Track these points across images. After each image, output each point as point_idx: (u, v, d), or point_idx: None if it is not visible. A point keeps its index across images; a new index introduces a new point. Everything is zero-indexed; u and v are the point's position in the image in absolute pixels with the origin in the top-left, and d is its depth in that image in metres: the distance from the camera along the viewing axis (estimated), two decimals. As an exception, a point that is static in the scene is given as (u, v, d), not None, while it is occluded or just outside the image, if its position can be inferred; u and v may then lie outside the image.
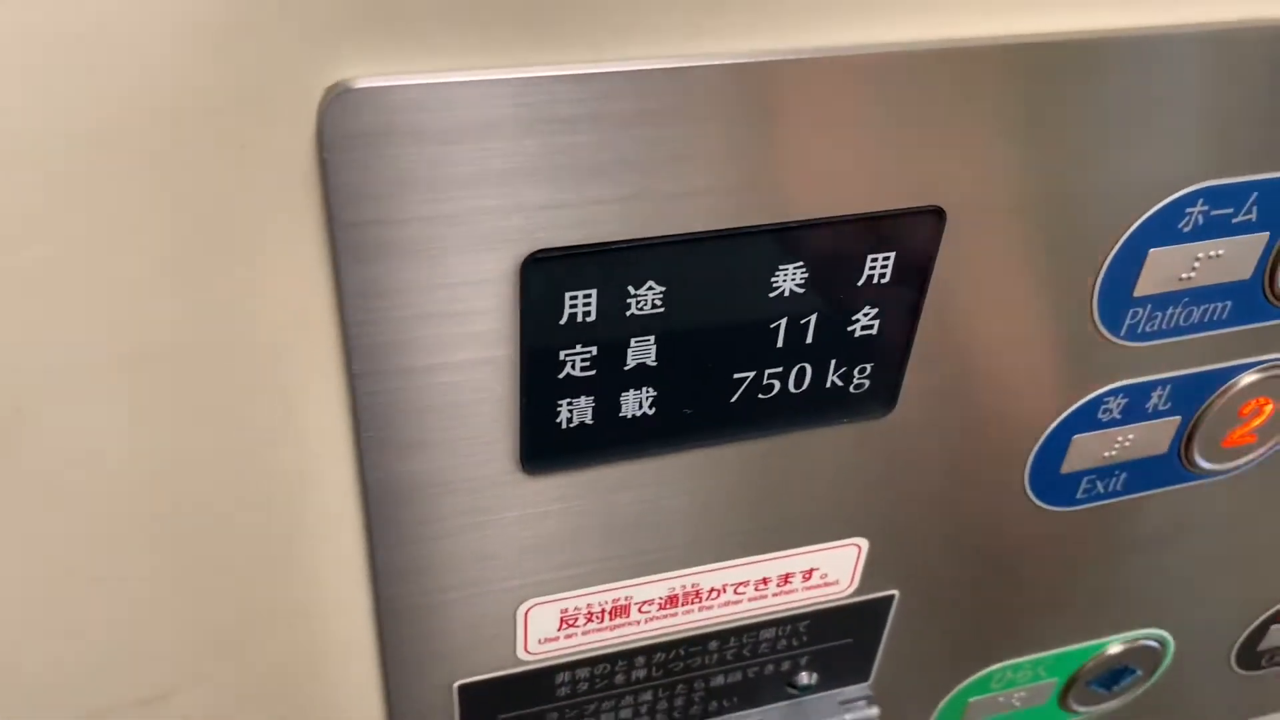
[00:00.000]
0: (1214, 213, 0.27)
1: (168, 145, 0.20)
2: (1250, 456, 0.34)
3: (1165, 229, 0.27)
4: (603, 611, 0.31)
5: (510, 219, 0.22)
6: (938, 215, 0.25)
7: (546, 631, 0.31)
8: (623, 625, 0.31)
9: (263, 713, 0.30)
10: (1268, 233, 0.28)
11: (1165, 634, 0.41)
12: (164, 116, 0.20)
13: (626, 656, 0.32)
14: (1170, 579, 0.38)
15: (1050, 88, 0.24)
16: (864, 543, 0.32)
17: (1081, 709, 0.42)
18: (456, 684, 0.31)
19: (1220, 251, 0.28)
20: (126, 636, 0.27)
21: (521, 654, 0.31)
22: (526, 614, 0.30)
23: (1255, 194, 0.27)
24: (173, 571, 0.26)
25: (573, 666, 0.32)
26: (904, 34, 0.23)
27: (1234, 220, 0.28)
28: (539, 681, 0.32)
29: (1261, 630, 0.43)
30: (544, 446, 0.26)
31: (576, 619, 0.31)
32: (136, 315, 0.22)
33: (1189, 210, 0.27)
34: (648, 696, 0.34)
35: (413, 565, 0.28)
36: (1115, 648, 0.40)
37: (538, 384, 0.25)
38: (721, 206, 0.24)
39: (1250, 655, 0.44)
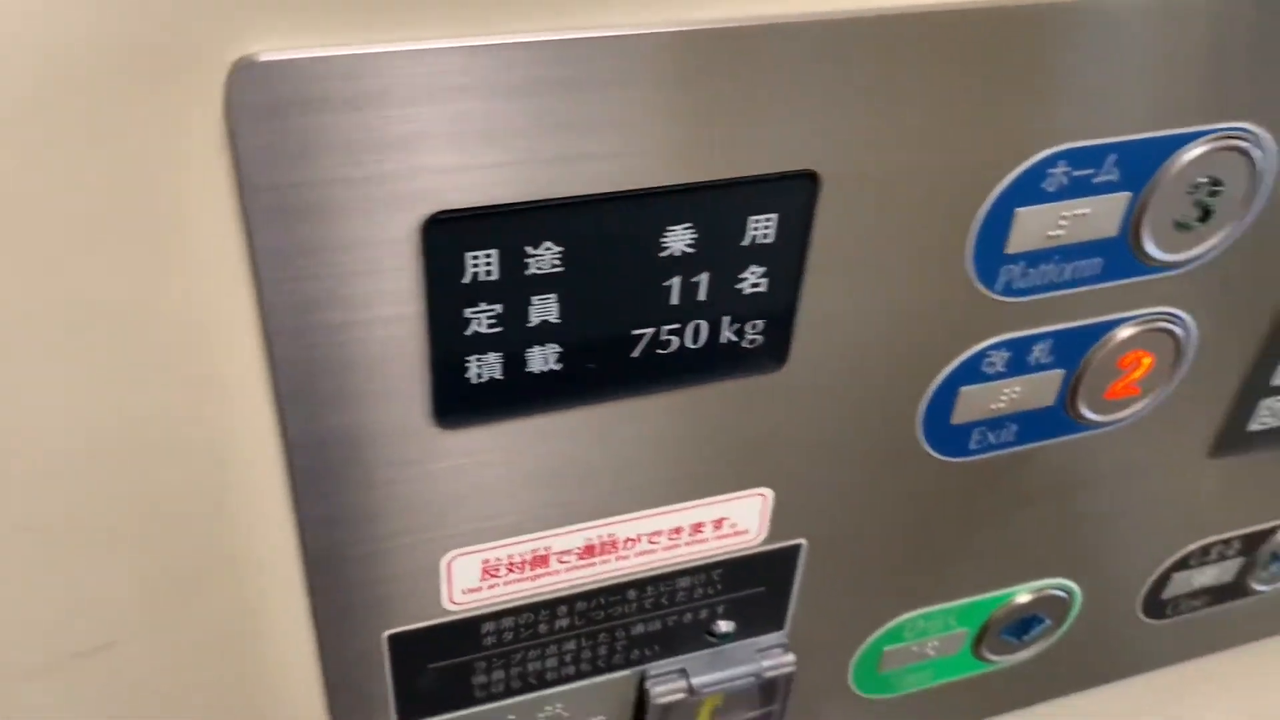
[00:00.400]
0: (1075, 173, 0.30)
1: (85, 115, 0.22)
2: (1135, 408, 0.37)
3: (1030, 189, 0.30)
4: (523, 562, 0.33)
5: (410, 182, 0.24)
6: (812, 179, 0.27)
7: (469, 582, 0.32)
8: (543, 575, 0.33)
9: (201, 666, 0.32)
10: (1129, 192, 0.31)
11: (1071, 584, 0.43)
12: (80, 87, 0.21)
13: (549, 606, 0.34)
14: (1071, 529, 0.41)
15: (912, 58, 0.26)
16: (769, 492, 0.34)
17: (995, 658, 0.44)
18: (386, 634, 0.33)
19: (1085, 210, 0.31)
20: (57, 589, 0.28)
21: (447, 604, 0.33)
22: (449, 565, 0.32)
23: (1114, 155, 0.30)
24: (102, 523, 0.27)
25: (497, 616, 0.34)
26: (776, 7, 0.25)
27: (1095, 180, 0.30)
28: (465, 631, 0.34)
29: (1164, 579, 0.45)
30: (456, 401, 0.28)
31: (498, 569, 0.33)
32: (61, 277, 0.24)
33: (1051, 171, 0.29)
34: (571, 645, 0.36)
35: (337, 517, 0.29)
36: (1023, 597, 0.42)
37: (446, 341, 0.27)
38: (609, 171, 0.26)
39: (1156, 604, 0.46)
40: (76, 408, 0.25)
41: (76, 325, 0.24)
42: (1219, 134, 0.31)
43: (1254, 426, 0.40)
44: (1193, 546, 0.44)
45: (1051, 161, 0.29)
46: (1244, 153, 0.31)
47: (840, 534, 0.36)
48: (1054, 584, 0.42)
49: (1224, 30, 0.29)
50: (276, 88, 0.22)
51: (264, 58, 0.22)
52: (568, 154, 0.25)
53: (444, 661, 0.34)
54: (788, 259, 0.29)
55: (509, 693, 0.36)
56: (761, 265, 0.29)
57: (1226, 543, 0.45)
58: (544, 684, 0.36)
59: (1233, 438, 0.40)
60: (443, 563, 0.32)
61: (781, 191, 0.27)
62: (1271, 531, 0.45)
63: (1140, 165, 0.30)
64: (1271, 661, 0.54)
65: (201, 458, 0.27)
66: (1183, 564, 0.45)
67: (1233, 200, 0.32)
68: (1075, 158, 0.29)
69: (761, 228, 0.28)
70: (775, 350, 0.31)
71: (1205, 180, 0.31)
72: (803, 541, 0.36)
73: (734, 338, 0.30)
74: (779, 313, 0.30)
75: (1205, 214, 0.32)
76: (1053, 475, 0.38)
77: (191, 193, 0.24)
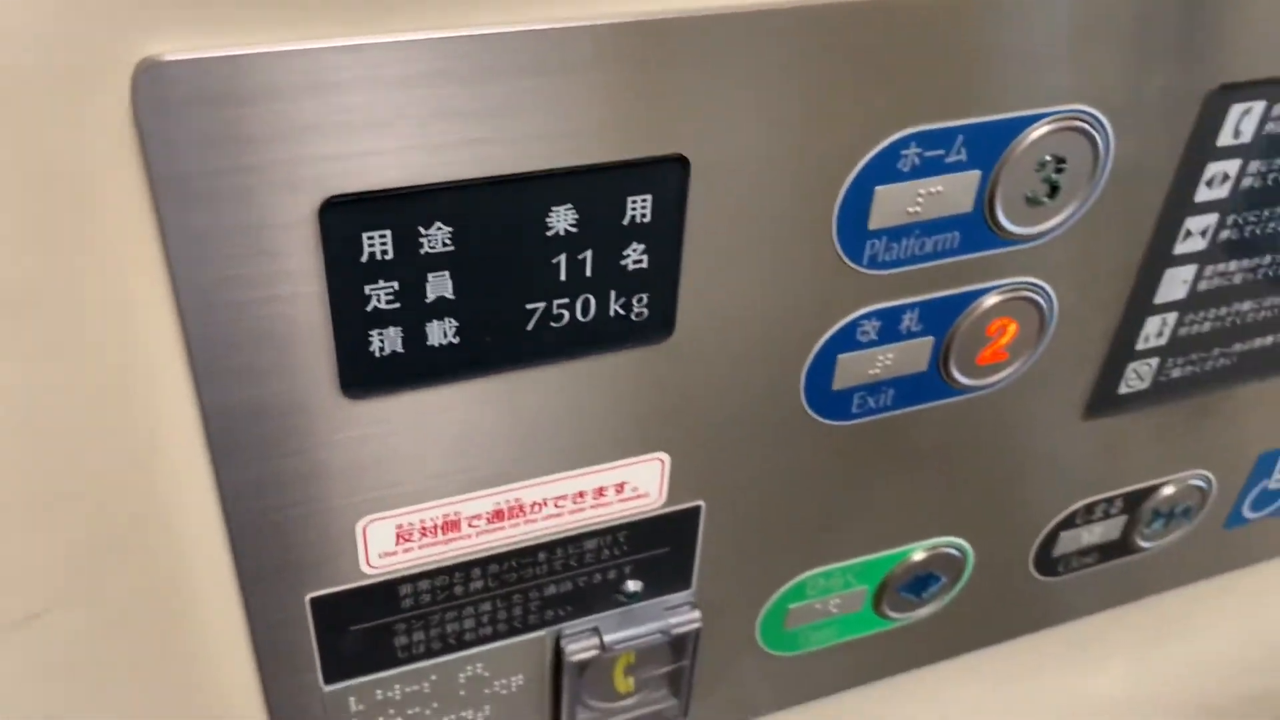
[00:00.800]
0: (927, 154, 0.33)
1: (2, 113, 0.24)
2: (1005, 373, 0.40)
3: (886, 169, 0.32)
4: (435, 526, 0.35)
5: (304, 169, 0.26)
6: (682, 163, 0.30)
7: (385, 546, 0.35)
8: (455, 539, 0.36)
9: (135, 633, 0.34)
10: (979, 170, 0.34)
11: (963, 542, 0.46)
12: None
13: (463, 569, 0.37)
14: (958, 489, 0.44)
15: (771, 50, 0.29)
16: (666, 457, 0.37)
17: (896, 615, 0.47)
18: (309, 596, 0.35)
19: (939, 188, 0.33)
20: (-6, 554, 0.30)
21: (365, 568, 0.35)
22: (364, 530, 0.34)
23: (961, 136, 0.33)
24: (27, 495, 0.30)
25: (414, 579, 0.36)
26: (643, 5, 0.28)
27: (946, 160, 0.33)
28: (384, 594, 0.36)
29: (1053, 537, 0.48)
30: (361, 373, 0.31)
31: (411, 534, 0.35)
32: (-15, 261, 0.26)
33: (904, 152, 0.32)
34: (487, 607, 0.38)
35: (255, 484, 0.32)
36: (918, 555, 0.45)
37: (348, 316, 0.29)
38: (492, 155, 0.28)
39: (1047, 562, 0.49)
40: (3, 385, 0.28)
41: (3, 311, 0.27)
42: (1060, 116, 0.34)
43: (1123, 389, 0.43)
44: (1077, 505, 0.47)
45: (904, 143, 0.32)
46: (1084, 133, 0.34)
47: (737, 495, 0.39)
48: (946, 542, 0.45)
49: (1058, 18, 0.32)
50: (178, 85, 0.25)
51: (167, 58, 0.24)
52: (452, 140, 0.27)
53: (365, 624, 0.36)
54: (666, 237, 0.31)
55: (430, 654, 0.38)
56: (642, 243, 0.31)
57: (1110, 501, 0.48)
58: (463, 645, 0.39)
59: (1103, 400, 0.43)
60: (358, 527, 0.34)
61: (655, 174, 0.30)
62: (1152, 489, 0.49)
63: (988, 146, 0.33)
64: (1164, 617, 0.57)
65: (125, 430, 0.30)
66: (1069, 522, 0.48)
67: (1077, 177, 0.35)
68: (925, 140, 0.32)
69: (639, 208, 0.31)
70: (661, 322, 0.33)
71: (1050, 159, 0.34)
72: (701, 503, 0.39)
73: (621, 311, 0.32)
74: (662, 287, 0.32)
75: (1053, 190, 0.35)
76: (935, 437, 0.41)
77: (106, 182, 0.26)
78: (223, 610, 0.35)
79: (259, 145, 0.26)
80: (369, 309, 0.29)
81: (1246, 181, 0.38)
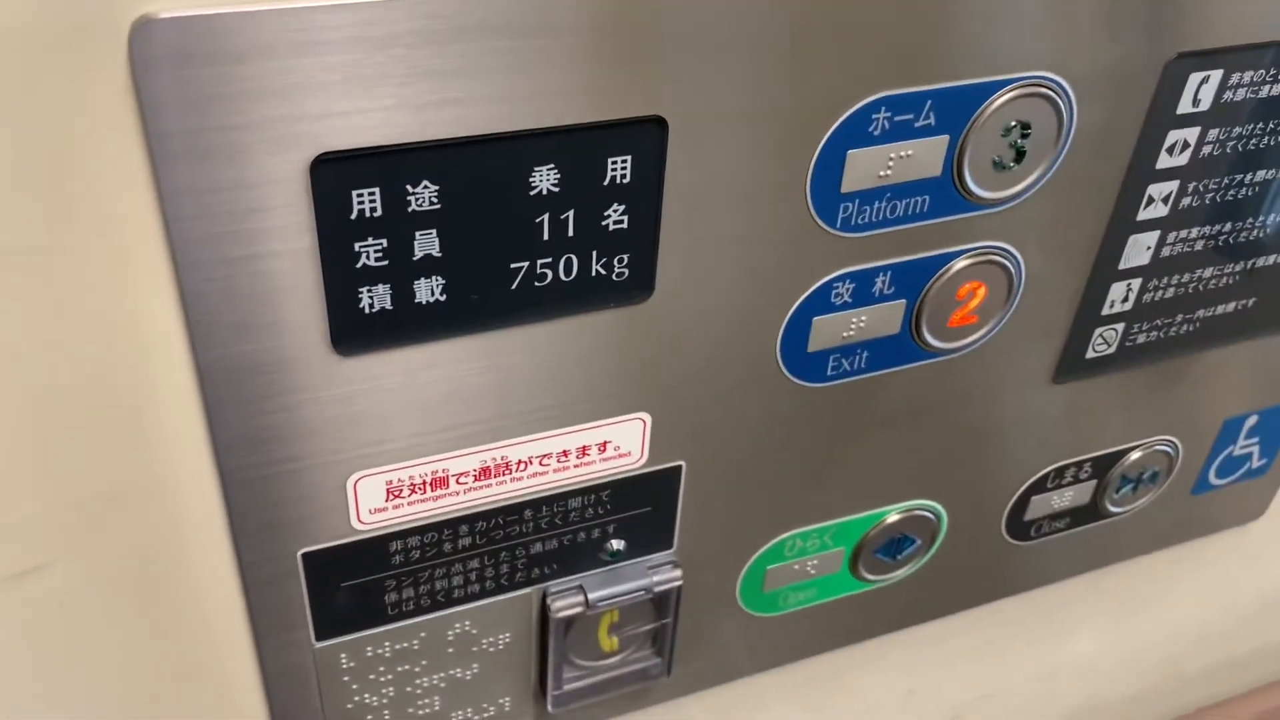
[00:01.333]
0: (897, 118, 0.34)
1: (3, 70, 0.25)
2: (976, 335, 0.41)
3: (858, 133, 0.34)
4: (424, 483, 0.36)
5: (295, 127, 0.27)
6: (660, 124, 0.31)
7: (375, 502, 0.36)
8: (444, 496, 0.37)
9: (129, 589, 0.35)
10: (948, 135, 0.35)
11: (937, 505, 0.47)
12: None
13: (451, 525, 0.38)
14: (931, 452, 0.45)
15: (745, 14, 0.30)
16: (647, 417, 0.38)
17: (873, 577, 0.48)
18: (300, 552, 0.36)
19: (909, 152, 0.35)
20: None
21: (355, 524, 0.36)
22: (355, 485, 0.35)
23: (930, 101, 0.34)
24: (27, 451, 0.30)
25: (404, 535, 0.37)
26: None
27: (916, 125, 0.34)
28: (374, 549, 0.37)
29: (1024, 501, 0.49)
30: (350, 330, 0.32)
31: (401, 490, 0.36)
32: (-13, 215, 0.27)
33: (875, 116, 0.33)
34: (475, 564, 0.39)
35: (248, 439, 0.33)
36: (893, 517, 0.46)
37: (338, 273, 0.30)
38: (475, 115, 0.29)
39: (1019, 526, 0.51)
40: (3, 339, 0.29)
41: (3, 263, 0.27)
42: (1025, 82, 0.35)
43: (1090, 354, 0.45)
44: (1047, 469, 0.49)
45: (875, 107, 0.33)
46: (1048, 99, 0.35)
47: (717, 456, 0.40)
48: (920, 505, 0.47)
49: (1021, -9, 0.33)
50: (173, 42, 0.26)
51: (161, 16, 0.25)
52: (436, 100, 0.28)
53: (356, 580, 0.37)
54: (645, 197, 0.33)
55: (419, 610, 0.39)
56: (622, 203, 0.32)
57: (1079, 465, 0.49)
58: (452, 602, 0.40)
59: (1072, 364, 0.44)
60: (349, 483, 0.35)
61: (634, 135, 0.31)
62: (1120, 454, 0.50)
63: (956, 111, 0.34)
64: (1135, 582, 0.59)
65: (121, 385, 0.30)
66: (1040, 486, 0.49)
67: (1042, 142, 0.36)
68: (896, 104, 0.33)
69: (619, 169, 0.32)
70: (641, 282, 0.34)
71: (1016, 124, 0.36)
72: (682, 463, 0.40)
73: (603, 270, 0.34)
74: (642, 247, 0.34)
75: (1019, 155, 0.36)
76: (908, 400, 0.42)
77: (104, 139, 0.27)
78: (216, 566, 0.36)
79: (250, 103, 0.27)
80: (359, 266, 0.30)
81: (1206, 149, 0.40)
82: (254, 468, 0.33)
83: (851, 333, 0.39)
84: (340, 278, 0.30)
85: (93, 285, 0.29)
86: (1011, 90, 0.35)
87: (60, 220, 0.28)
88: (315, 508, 0.35)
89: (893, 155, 0.34)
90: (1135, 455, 0.50)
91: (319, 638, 0.38)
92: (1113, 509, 0.52)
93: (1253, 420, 0.53)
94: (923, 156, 0.35)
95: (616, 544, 0.41)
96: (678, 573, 0.42)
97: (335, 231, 0.30)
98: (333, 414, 0.33)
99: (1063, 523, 0.52)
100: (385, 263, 0.31)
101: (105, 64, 0.26)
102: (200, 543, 0.35)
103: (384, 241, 0.30)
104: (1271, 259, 0.45)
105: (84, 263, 0.28)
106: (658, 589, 0.42)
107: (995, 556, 0.52)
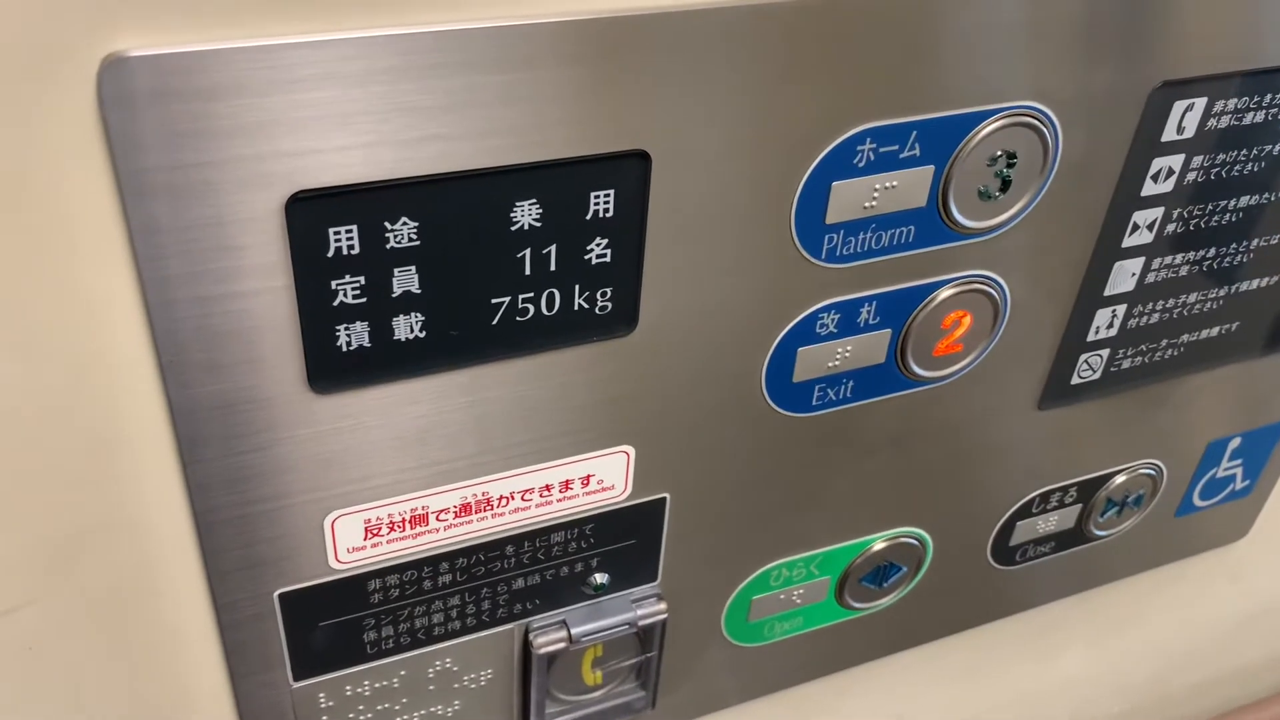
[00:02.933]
0: (882, 149, 0.33)
1: (-33, 108, 0.24)
2: (962, 364, 0.41)
3: (842, 164, 0.33)
4: (403, 521, 0.35)
5: (269, 164, 0.27)
6: (643, 158, 0.31)
7: (353, 541, 0.35)
8: (423, 534, 0.36)
9: (104, 631, 0.34)
10: (933, 165, 0.35)
11: (923, 532, 0.47)
12: (-39, 83, 0.24)
13: (432, 563, 0.37)
14: (917, 480, 0.44)
15: (727, 47, 0.30)
16: (631, 450, 0.37)
17: (859, 605, 0.48)
18: (277, 593, 0.35)
19: (894, 183, 0.34)
20: (-37, 550, 0.30)
21: (333, 563, 0.35)
22: (333, 525, 0.34)
23: (915, 132, 0.34)
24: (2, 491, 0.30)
25: (383, 574, 0.36)
26: (604, 4, 0.28)
27: (901, 155, 0.34)
28: (353, 589, 0.36)
29: (1009, 526, 0.49)
30: (328, 368, 0.31)
31: (380, 529, 0.35)
32: (-49, 256, 0.26)
33: (860, 148, 0.33)
34: (456, 600, 0.38)
35: (222, 479, 0.32)
36: (878, 545, 0.46)
37: (315, 311, 0.30)
38: (456, 151, 0.28)
39: (1005, 551, 0.50)
40: (-31, 379, 0.28)
41: (-34, 302, 0.27)
42: (1010, 112, 0.35)
43: (1076, 380, 0.44)
44: (1033, 494, 0.48)
45: (860, 139, 0.33)
46: (1034, 129, 0.35)
47: (701, 487, 0.40)
48: (906, 532, 0.46)
49: (1007, 17, 0.33)
50: (143, 80, 0.25)
51: (131, 54, 0.25)
52: (416, 136, 0.28)
53: (334, 619, 0.37)
54: (628, 231, 0.32)
55: (399, 649, 0.39)
56: (605, 237, 0.32)
57: (1064, 490, 0.49)
58: (432, 639, 0.39)
59: (1057, 390, 0.44)
60: (326, 523, 0.34)
61: (617, 169, 0.31)
62: (1105, 478, 0.50)
63: (941, 141, 0.34)
64: (1119, 603, 0.59)
65: (93, 426, 0.30)
66: (1025, 511, 0.49)
67: (1028, 172, 0.36)
68: (881, 135, 0.33)
69: (602, 203, 0.31)
70: (625, 316, 0.34)
71: (1001, 154, 0.35)
72: (667, 495, 0.39)
73: (585, 305, 0.33)
74: (625, 281, 0.33)
75: (1005, 184, 0.36)
76: (893, 429, 0.42)
77: (73, 177, 0.26)
78: (192, 607, 0.35)
79: (223, 140, 0.26)
80: (336, 304, 0.30)
81: (1190, 176, 0.40)
82: (229, 507, 0.33)
83: (836, 362, 0.38)
84: (317, 316, 0.30)
85: (62, 325, 0.28)
86: (997, 120, 0.34)
87: (28, 260, 0.27)
88: (292, 547, 0.34)
89: (878, 186, 0.34)
90: (1120, 479, 0.50)
91: (297, 678, 0.38)
92: (1098, 532, 0.52)
93: (1236, 442, 0.53)
94: (908, 187, 0.35)
95: (600, 578, 0.40)
96: (662, 605, 0.41)
97: (311, 270, 0.29)
98: (310, 453, 0.33)
99: (1048, 547, 0.52)
100: (363, 300, 0.30)
101: (74, 102, 0.25)
102: (175, 583, 0.34)
103: (361, 279, 0.30)
104: (1255, 283, 0.45)
105: (53, 303, 0.28)
106: (642, 622, 0.41)
107: (981, 581, 0.51)
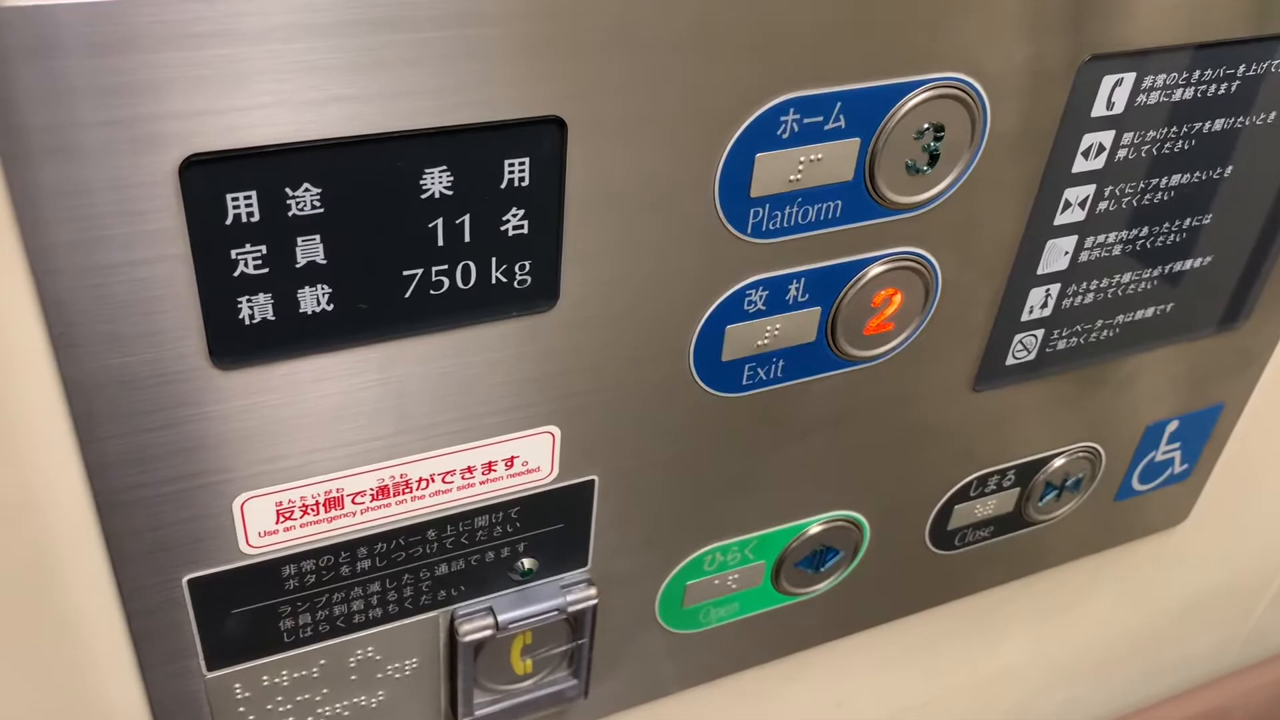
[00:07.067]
0: (806, 121, 0.33)
1: None
2: (893, 343, 0.40)
3: (766, 136, 0.33)
4: (316, 504, 0.34)
5: (163, 125, 0.26)
6: (559, 125, 0.30)
7: (265, 525, 0.34)
8: (339, 517, 0.35)
9: (5, 616, 0.33)
10: (859, 138, 0.34)
11: (859, 515, 0.46)
12: None
13: (349, 548, 0.36)
14: (851, 462, 0.44)
15: (644, 10, 0.29)
16: (557, 430, 0.36)
17: (796, 590, 0.47)
18: (186, 578, 0.34)
19: (819, 156, 0.34)
20: None
21: (244, 548, 0.34)
22: (243, 507, 0.33)
23: (840, 103, 0.33)
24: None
25: (298, 559, 0.35)
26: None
27: (826, 127, 0.33)
28: (266, 575, 0.35)
29: (947, 510, 0.49)
30: (230, 342, 0.30)
31: (292, 512, 0.34)
32: None
33: (783, 118, 0.32)
34: (376, 587, 0.37)
35: (123, 458, 0.31)
36: (814, 529, 0.45)
37: (215, 282, 0.29)
38: (361, 113, 0.27)
39: (943, 536, 0.50)
40: None
41: None
42: (937, 84, 0.34)
43: (1010, 361, 0.44)
44: (970, 478, 0.48)
45: (783, 109, 0.32)
46: (961, 101, 0.35)
47: (631, 469, 0.39)
48: (842, 515, 0.46)
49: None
50: (24, 33, 0.24)
51: (9, 4, 0.23)
52: (319, 97, 0.27)
53: (248, 606, 0.35)
54: (546, 201, 0.31)
55: (318, 637, 0.37)
56: (521, 208, 0.31)
57: (1002, 473, 0.49)
58: (353, 627, 0.38)
59: (991, 371, 0.44)
60: (236, 505, 0.33)
61: (532, 136, 0.30)
62: (1043, 461, 0.50)
63: (866, 113, 0.34)
64: (1061, 588, 0.59)
65: (-24, 401, 0.28)
66: (963, 495, 0.48)
67: (956, 146, 0.36)
68: (804, 105, 0.32)
69: (517, 171, 0.30)
70: (545, 290, 0.33)
71: (929, 127, 0.35)
72: (595, 477, 0.38)
73: (503, 278, 0.32)
74: (544, 253, 0.32)
75: (933, 159, 0.36)
76: (826, 409, 0.41)
77: (-55, 137, 0.25)
78: (96, 593, 0.33)
79: (114, 98, 0.25)
80: (236, 274, 0.29)
81: (1121, 153, 0.39)
82: (132, 489, 0.31)
83: (766, 341, 0.37)
84: (217, 286, 0.29)
85: (-58, 296, 0.27)
86: (924, 91, 0.34)
87: (-96, 226, 0.25)
88: (201, 531, 0.33)
89: (802, 159, 0.33)
90: (1058, 462, 0.50)
91: (210, 667, 0.36)
92: (1037, 516, 0.52)
93: (1174, 425, 0.53)
94: (834, 160, 0.34)
95: (528, 563, 0.39)
96: (593, 591, 0.41)
97: (209, 238, 0.28)
98: (216, 431, 0.31)
99: (987, 531, 0.51)
100: (265, 271, 0.29)
101: (-53, 56, 0.24)
102: (78, 568, 0.33)
103: (263, 248, 0.29)
104: (1189, 264, 0.45)
105: (-68, 272, 0.26)
106: (572, 609, 0.40)
107: (920, 566, 0.51)
